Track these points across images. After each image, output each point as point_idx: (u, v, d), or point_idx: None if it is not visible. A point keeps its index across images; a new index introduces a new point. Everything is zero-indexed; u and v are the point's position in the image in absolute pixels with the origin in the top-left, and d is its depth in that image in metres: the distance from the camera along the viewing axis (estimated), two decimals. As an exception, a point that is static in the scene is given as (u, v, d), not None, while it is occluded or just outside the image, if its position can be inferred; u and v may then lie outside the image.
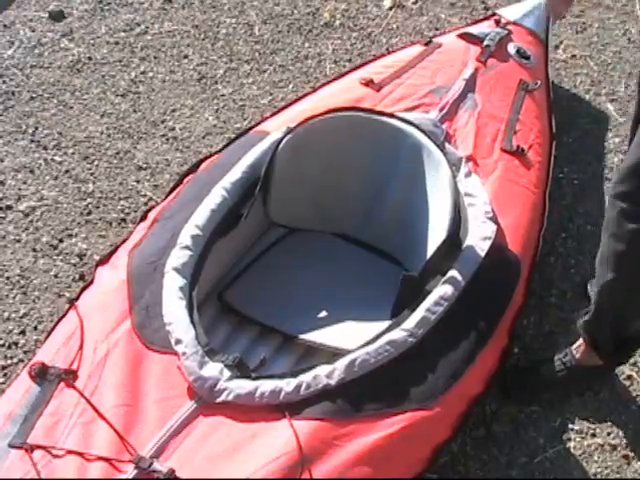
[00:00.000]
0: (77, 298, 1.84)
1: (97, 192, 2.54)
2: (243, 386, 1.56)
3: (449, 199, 1.89)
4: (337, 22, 3.19)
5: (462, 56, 2.39)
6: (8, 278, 2.29)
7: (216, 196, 1.93)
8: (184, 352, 1.60)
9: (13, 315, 2.20)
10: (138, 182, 2.57)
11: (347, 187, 2.16)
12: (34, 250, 2.36)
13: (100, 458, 1.44)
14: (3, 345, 2.12)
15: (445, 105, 2.22)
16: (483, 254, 1.85)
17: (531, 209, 2.06)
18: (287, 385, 1.57)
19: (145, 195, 2.53)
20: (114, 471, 1.43)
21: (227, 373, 1.58)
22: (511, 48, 2.43)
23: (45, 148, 2.68)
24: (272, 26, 3.17)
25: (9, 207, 2.49)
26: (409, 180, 2.06)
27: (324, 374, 1.60)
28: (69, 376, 1.57)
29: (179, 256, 1.79)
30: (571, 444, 1.93)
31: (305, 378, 1.59)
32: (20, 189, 2.54)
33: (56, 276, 2.29)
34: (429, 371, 1.68)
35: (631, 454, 1.92)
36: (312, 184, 2.14)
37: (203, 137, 2.73)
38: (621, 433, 1.95)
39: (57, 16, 3.17)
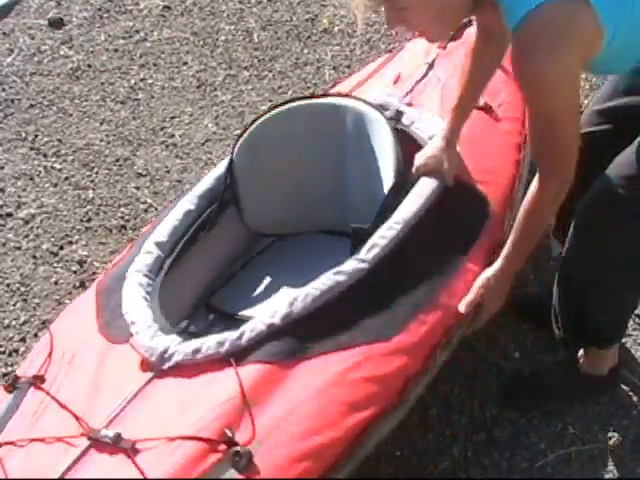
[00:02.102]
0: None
1: (97, 199, 2.54)
2: (189, 345, 1.56)
3: (391, 149, 1.88)
4: (336, 28, 3.20)
5: (425, 49, 2.38)
6: (8, 285, 2.29)
7: (181, 207, 1.94)
8: (137, 331, 1.62)
9: (13, 322, 2.20)
10: (138, 189, 2.58)
11: (313, 181, 2.15)
12: (34, 257, 2.37)
13: (57, 439, 1.45)
14: (4, 352, 2.12)
15: (407, 84, 2.20)
16: (434, 187, 1.83)
17: (500, 153, 2.03)
18: (231, 335, 1.55)
19: (145, 202, 2.53)
20: (69, 448, 1.43)
21: (177, 340, 1.58)
22: (472, 30, 2.40)
23: (45, 155, 2.68)
24: (271, 33, 3.18)
25: (9, 214, 2.49)
26: (361, 152, 2.04)
27: (268, 316, 1.58)
28: (37, 381, 1.60)
29: (141, 260, 1.81)
30: (572, 449, 1.93)
31: (249, 325, 1.57)
32: (20, 196, 2.55)
33: (56, 283, 2.30)
34: (384, 301, 1.63)
35: (632, 459, 1.92)
36: (279, 188, 2.14)
37: (203, 144, 2.74)
38: (622, 438, 1.95)
39: (56, 24, 3.18)
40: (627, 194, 1.61)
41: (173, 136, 2.77)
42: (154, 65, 3.04)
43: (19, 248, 2.40)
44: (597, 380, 1.98)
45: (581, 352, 1.98)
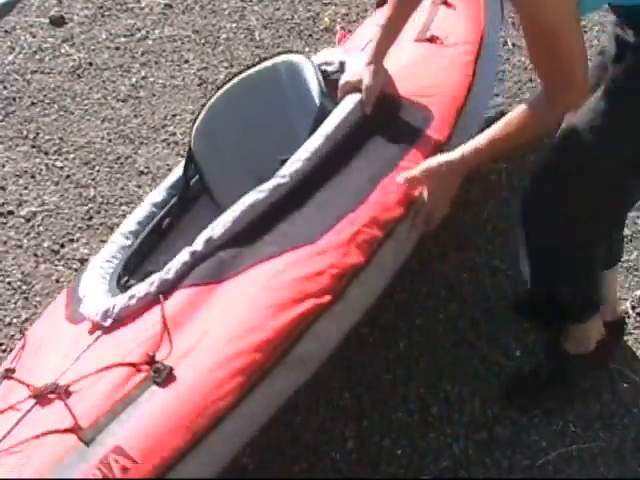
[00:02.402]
0: None
1: (98, 197, 2.54)
2: (125, 295, 1.58)
3: (314, 79, 1.89)
4: (337, 27, 3.20)
5: (378, 17, 2.38)
6: (9, 283, 2.29)
7: (149, 199, 1.98)
8: (86, 300, 1.66)
9: (15, 320, 2.20)
10: (139, 187, 2.58)
11: (272, 149, 2.14)
12: (35, 255, 2.37)
13: (9, 408, 1.48)
14: (5, 350, 2.12)
15: (360, 45, 2.19)
16: (356, 100, 1.81)
17: (448, 70, 1.99)
18: (159, 273, 1.57)
19: (146, 200, 2.53)
20: (17, 412, 1.45)
21: (119, 297, 1.61)
22: None
23: (46, 153, 2.68)
24: (272, 31, 3.18)
25: (10, 212, 2.49)
26: (301, 104, 2.03)
27: (192, 245, 1.58)
28: (8, 372, 1.62)
29: (105, 249, 1.86)
30: (573, 447, 1.93)
31: (175, 260, 1.58)
32: (21, 194, 2.55)
33: (57, 281, 2.30)
34: (310, 210, 1.61)
35: (634, 457, 1.92)
36: (243, 166, 2.12)
37: (204, 142, 2.73)
38: (623, 436, 1.95)
39: (58, 22, 3.18)
40: (571, 163, 1.62)
41: (174, 134, 2.76)
42: (155, 63, 3.03)
43: (20, 246, 2.40)
44: (587, 358, 1.97)
45: (563, 335, 1.98)
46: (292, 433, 1.95)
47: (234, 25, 3.20)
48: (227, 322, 1.43)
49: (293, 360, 1.44)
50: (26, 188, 2.57)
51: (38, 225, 2.46)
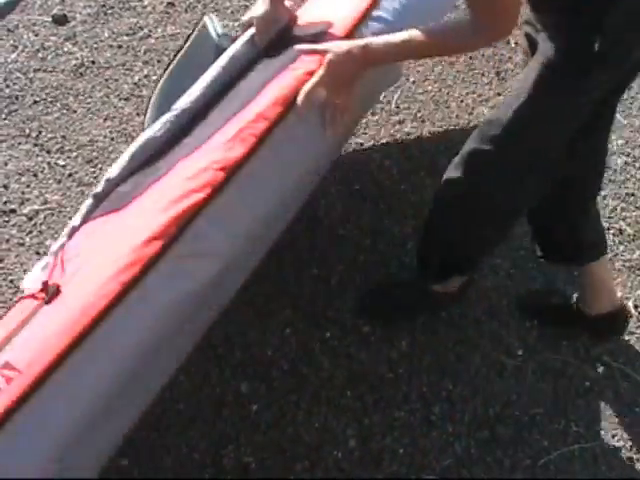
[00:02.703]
0: None
1: (100, 196, 2.54)
2: (50, 256, 1.63)
3: (211, 26, 1.95)
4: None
5: None
6: (12, 281, 2.29)
7: None
8: (26, 278, 1.69)
9: (17, 319, 2.20)
10: (141, 185, 2.58)
11: None
12: (37, 253, 2.37)
13: None
14: (7, 349, 2.13)
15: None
16: (251, 33, 1.83)
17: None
18: (70, 224, 1.64)
19: (148, 198, 2.53)
20: None
21: (48, 260, 1.66)
22: None
23: (49, 152, 2.68)
24: (275, 29, 3.18)
25: (13, 211, 2.49)
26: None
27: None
28: None
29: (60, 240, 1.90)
30: (575, 447, 1.93)
31: (82, 206, 1.65)
32: (24, 193, 2.55)
33: (60, 280, 2.30)
34: (199, 127, 1.64)
35: (635, 456, 1.92)
36: None
37: (206, 140, 2.73)
38: (625, 435, 1.95)
39: (60, 20, 3.17)
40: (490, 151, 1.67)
41: (177, 133, 2.76)
42: (158, 62, 3.03)
43: (22, 244, 2.40)
44: (449, 295, 2.09)
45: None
46: (294, 432, 1.95)
47: (236, 23, 3.20)
48: (114, 238, 1.49)
49: (182, 253, 1.45)
50: (28, 186, 2.57)
51: (40, 223, 2.46)
